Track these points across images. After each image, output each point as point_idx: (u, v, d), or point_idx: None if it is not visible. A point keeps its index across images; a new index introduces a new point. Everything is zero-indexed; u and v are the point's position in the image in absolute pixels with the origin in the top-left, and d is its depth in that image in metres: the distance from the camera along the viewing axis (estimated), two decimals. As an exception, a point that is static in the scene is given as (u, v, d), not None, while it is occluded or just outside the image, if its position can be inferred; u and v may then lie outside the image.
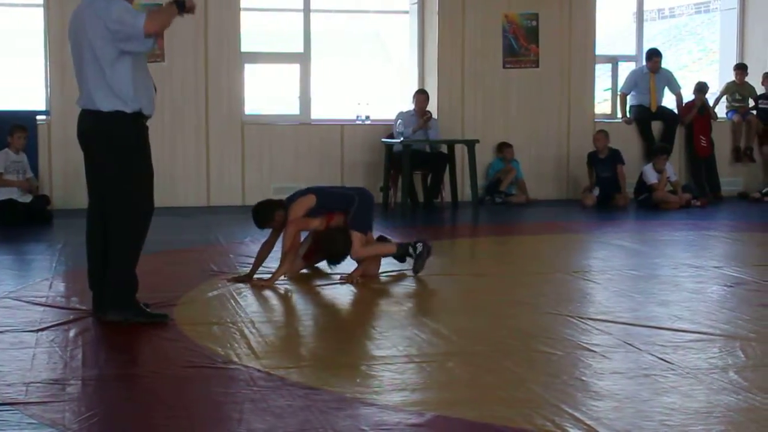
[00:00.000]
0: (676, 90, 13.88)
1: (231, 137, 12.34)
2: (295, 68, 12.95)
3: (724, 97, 14.31)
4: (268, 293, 6.81)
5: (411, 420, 4.13)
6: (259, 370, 4.84)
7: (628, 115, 13.73)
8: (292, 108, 13.04)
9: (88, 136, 5.87)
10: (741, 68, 14.14)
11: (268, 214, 7.32)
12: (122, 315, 5.81)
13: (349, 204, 7.34)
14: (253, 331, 5.66)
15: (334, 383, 4.64)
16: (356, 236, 7.22)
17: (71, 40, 5.91)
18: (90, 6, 5.77)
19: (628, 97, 13.78)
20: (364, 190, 7.74)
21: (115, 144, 5.78)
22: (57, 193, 11.69)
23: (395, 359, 5.15)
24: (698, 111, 13.63)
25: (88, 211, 6.04)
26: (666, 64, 14.07)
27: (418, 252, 7.40)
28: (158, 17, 5.77)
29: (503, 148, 12.89)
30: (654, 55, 13.67)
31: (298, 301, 6.67)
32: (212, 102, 12.18)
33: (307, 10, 12.92)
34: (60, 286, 7.08)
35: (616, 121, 13.86)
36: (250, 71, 12.78)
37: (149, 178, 5.95)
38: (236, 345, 5.34)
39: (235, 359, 5.07)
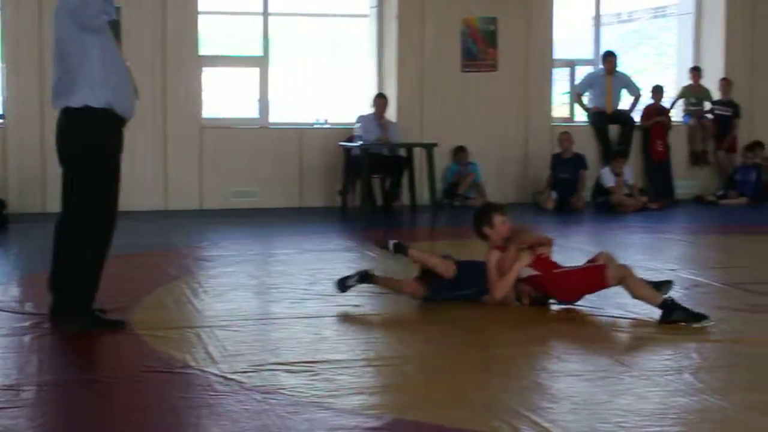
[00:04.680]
0: (635, 93, 13.98)
1: (189, 141, 12.28)
2: (254, 72, 12.92)
3: (681, 101, 14.44)
4: (224, 297, 6.78)
5: (368, 423, 4.14)
6: (216, 375, 4.82)
7: (584, 111, 13.79)
8: (251, 111, 13.00)
9: (58, 134, 5.82)
10: (696, 71, 14.28)
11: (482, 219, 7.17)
12: (77, 325, 5.73)
13: (457, 285, 6.87)
14: (211, 335, 5.63)
15: (291, 387, 4.64)
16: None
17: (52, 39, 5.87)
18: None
19: (586, 99, 13.86)
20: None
21: (82, 143, 5.70)
22: (13, 198, 11.56)
23: (353, 362, 5.15)
24: (656, 112, 13.77)
25: (60, 212, 5.96)
26: (624, 67, 14.18)
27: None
28: None
29: (458, 152, 12.92)
30: (609, 55, 13.80)
31: (256, 305, 6.64)
32: (170, 105, 12.12)
33: (265, 14, 12.91)
34: (15, 291, 7.01)
35: (574, 124, 13.94)
36: (209, 75, 12.73)
37: (114, 182, 5.85)
38: (193, 350, 5.32)
39: (193, 364, 5.04)
